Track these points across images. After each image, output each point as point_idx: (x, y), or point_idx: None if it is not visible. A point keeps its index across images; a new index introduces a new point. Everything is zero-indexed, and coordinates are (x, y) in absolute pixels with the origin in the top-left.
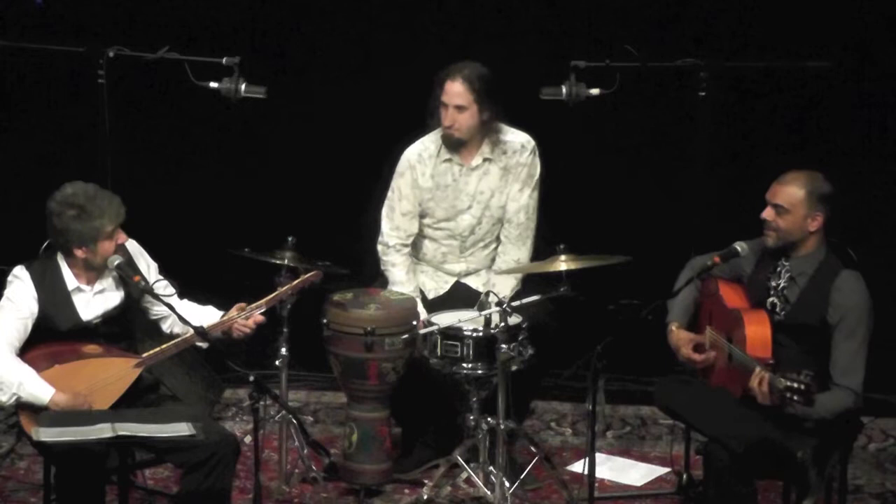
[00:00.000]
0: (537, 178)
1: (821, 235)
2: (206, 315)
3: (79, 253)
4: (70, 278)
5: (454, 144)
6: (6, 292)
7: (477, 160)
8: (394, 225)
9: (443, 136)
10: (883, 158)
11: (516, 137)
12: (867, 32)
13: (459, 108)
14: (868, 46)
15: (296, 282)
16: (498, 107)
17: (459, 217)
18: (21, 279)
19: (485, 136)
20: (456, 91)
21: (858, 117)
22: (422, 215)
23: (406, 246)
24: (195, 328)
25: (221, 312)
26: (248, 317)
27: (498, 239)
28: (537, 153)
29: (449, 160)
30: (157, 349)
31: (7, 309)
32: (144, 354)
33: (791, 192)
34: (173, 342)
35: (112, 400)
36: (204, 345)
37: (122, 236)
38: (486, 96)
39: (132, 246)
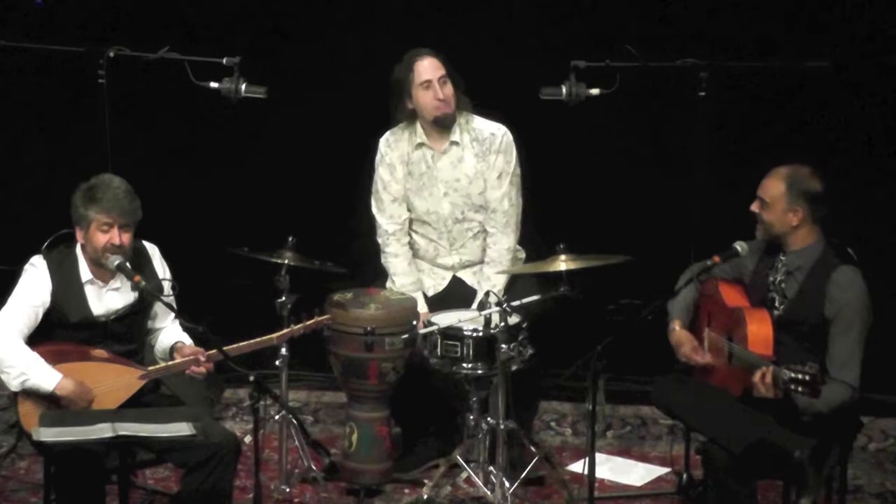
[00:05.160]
0: (515, 164)
1: (812, 229)
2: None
3: (79, 235)
4: (85, 270)
5: (448, 122)
6: (21, 280)
7: (445, 144)
8: (386, 214)
9: (435, 119)
10: (883, 158)
11: (487, 126)
12: (867, 32)
13: (443, 80)
14: (868, 46)
15: (309, 322)
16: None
17: (439, 206)
18: (36, 267)
19: (456, 117)
20: (434, 65)
21: (858, 117)
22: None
23: (405, 234)
24: (221, 350)
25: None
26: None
27: (486, 230)
28: (511, 140)
29: (421, 145)
30: (163, 365)
31: (20, 296)
32: (150, 368)
33: (772, 185)
34: (181, 360)
35: (111, 407)
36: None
37: (120, 237)
38: (452, 69)
39: (153, 251)
